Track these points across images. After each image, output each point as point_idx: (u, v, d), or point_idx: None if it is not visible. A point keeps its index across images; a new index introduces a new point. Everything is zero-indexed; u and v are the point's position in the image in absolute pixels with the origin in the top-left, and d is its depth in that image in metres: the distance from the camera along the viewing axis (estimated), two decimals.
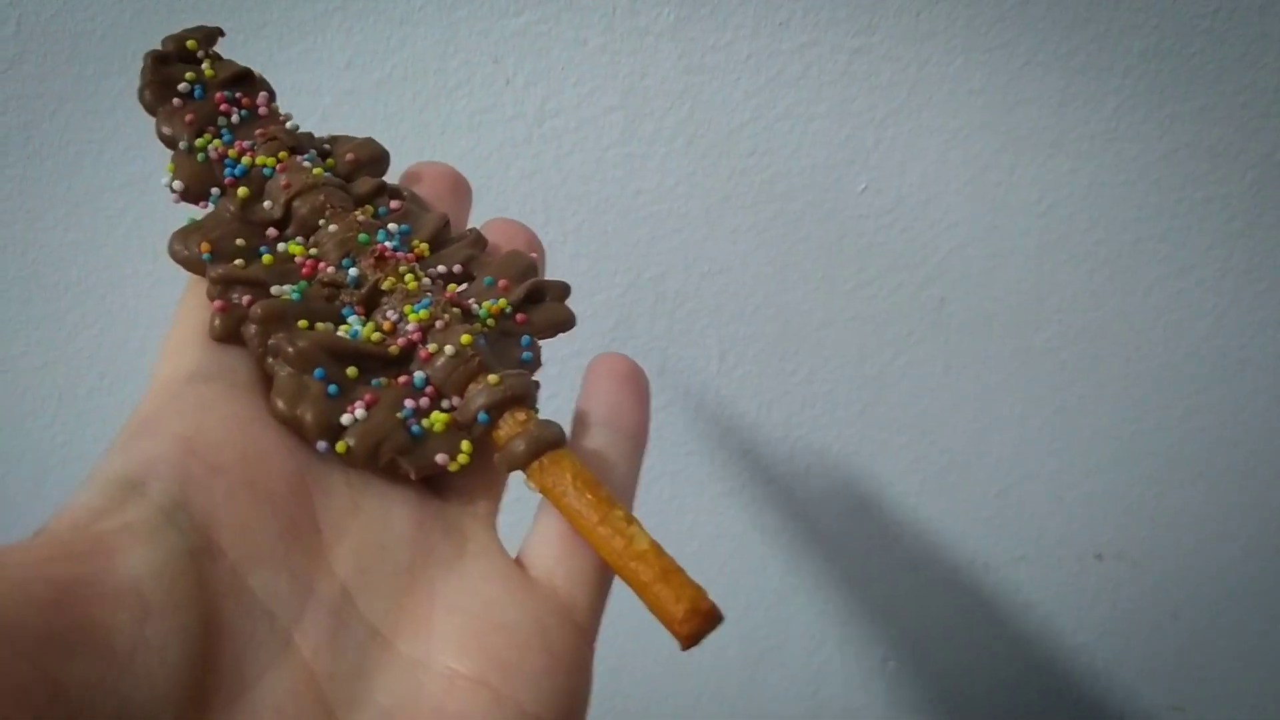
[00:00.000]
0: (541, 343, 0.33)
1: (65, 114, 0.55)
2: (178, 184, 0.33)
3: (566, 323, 0.33)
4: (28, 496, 0.65)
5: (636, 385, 0.32)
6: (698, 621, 0.26)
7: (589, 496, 0.28)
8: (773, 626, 0.67)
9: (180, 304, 0.31)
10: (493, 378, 0.29)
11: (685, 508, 0.64)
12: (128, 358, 0.61)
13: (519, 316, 0.32)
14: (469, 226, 0.36)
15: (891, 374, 0.61)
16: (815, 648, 0.68)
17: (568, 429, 0.31)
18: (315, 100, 0.56)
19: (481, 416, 0.29)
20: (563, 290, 0.34)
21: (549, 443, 0.29)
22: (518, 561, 0.29)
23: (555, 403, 0.33)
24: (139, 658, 0.22)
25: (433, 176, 0.36)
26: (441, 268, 0.32)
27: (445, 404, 0.30)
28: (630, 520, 0.28)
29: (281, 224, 0.32)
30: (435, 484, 0.30)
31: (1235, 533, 0.64)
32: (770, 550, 0.65)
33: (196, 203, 0.33)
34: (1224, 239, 0.57)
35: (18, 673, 0.20)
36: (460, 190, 0.37)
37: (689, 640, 0.27)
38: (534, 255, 0.34)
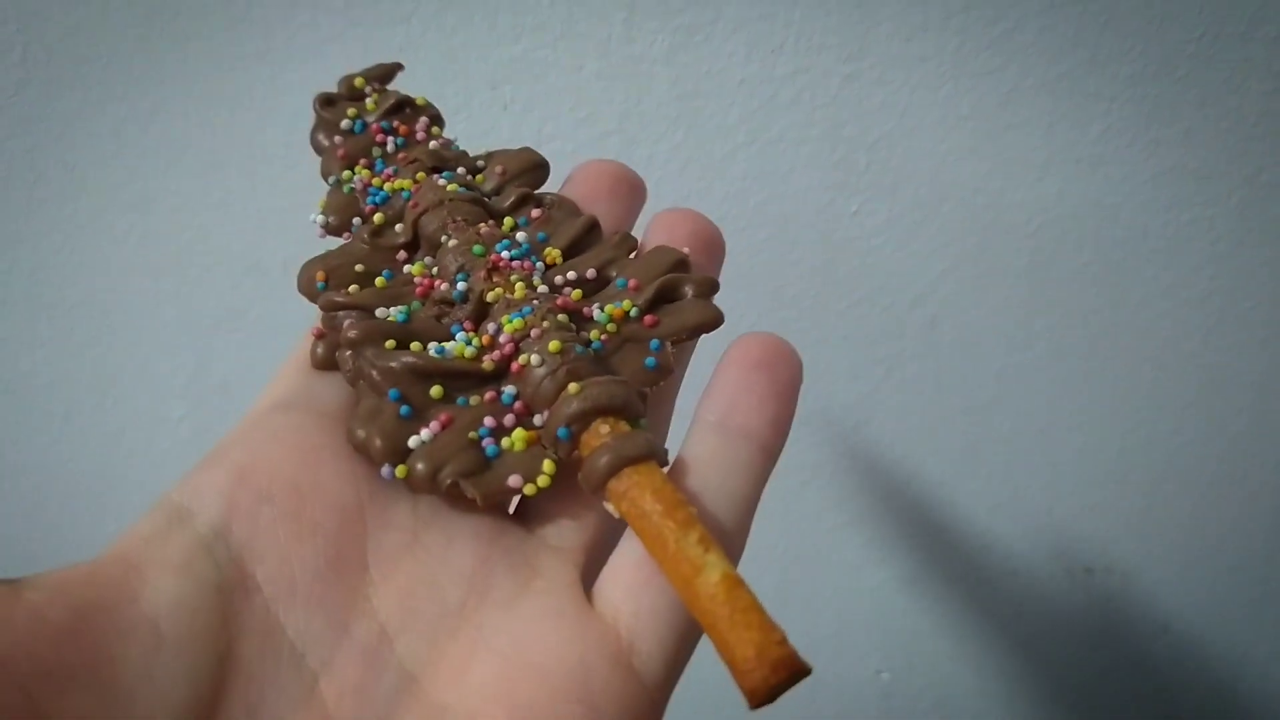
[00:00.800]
0: (689, 347, 0.30)
1: (70, 138, 0.56)
2: (320, 218, 0.32)
3: (705, 323, 0.29)
4: (33, 515, 0.66)
5: (772, 372, 0.27)
6: (764, 672, 0.22)
7: (668, 520, 0.24)
8: None
9: (301, 340, 0.30)
10: (573, 387, 0.26)
11: None
12: (131, 377, 0.62)
13: (646, 319, 0.29)
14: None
15: (884, 392, 0.62)
16: (809, 659, 0.68)
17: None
18: None
19: (561, 431, 0.26)
20: (705, 286, 0.30)
21: (629, 457, 0.25)
22: (590, 596, 0.26)
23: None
24: (140, 695, 0.21)
25: (593, 176, 0.33)
26: (571, 274, 0.30)
27: (536, 420, 0.27)
28: (708, 545, 0.23)
29: (412, 246, 0.31)
30: (522, 514, 0.28)
31: (1224, 546, 0.65)
32: (764, 565, 0.66)
33: (339, 235, 0.32)
34: (1210, 259, 0.58)
35: (5, 700, 0.20)
36: (623, 189, 0.33)
37: (755, 695, 0.22)
38: (684, 250, 0.30)
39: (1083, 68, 0.54)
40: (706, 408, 0.27)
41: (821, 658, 0.68)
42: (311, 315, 0.30)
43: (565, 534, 0.27)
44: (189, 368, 0.62)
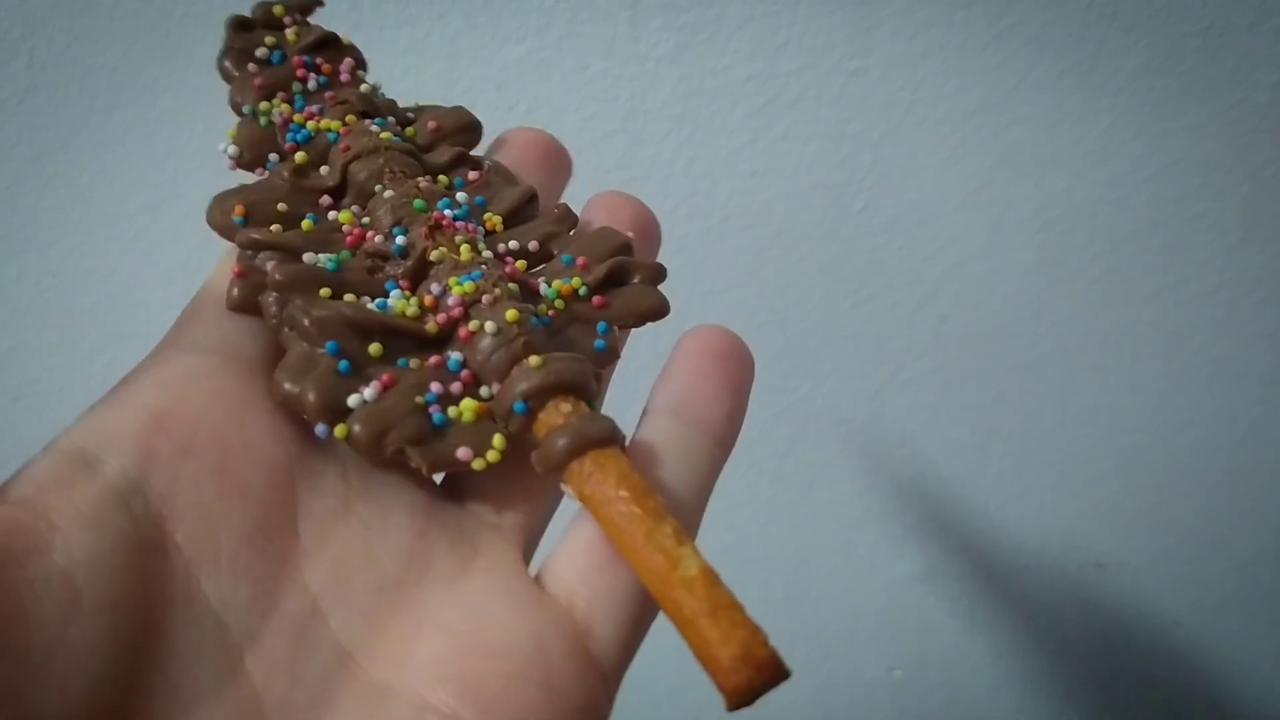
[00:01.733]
0: (628, 333, 0.28)
1: (77, 145, 0.56)
2: (232, 149, 0.30)
3: (654, 310, 0.28)
4: None
5: (727, 366, 0.27)
6: (748, 673, 0.21)
7: (635, 508, 0.23)
8: (777, 639, 0.67)
9: (208, 277, 0.27)
10: (534, 360, 0.24)
11: None
12: None
13: (596, 299, 0.27)
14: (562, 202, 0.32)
15: (893, 389, 0.62)
16: (822, 658, 0.68)
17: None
18: None
19: (518, 405, 0.24)
20: (654, 272, 0.29)
21: (593, 439, 0.24)
22: (537, 579, 0.25)
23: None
24: (57, 662, 0.19)
25: (522, 144, 0.32)
26: (514, 244, 0.28)
27: (484, 392, 0.25)
28: (681, 538, 0.22)
29: (338, 192, 0.29)
30: (458, 489, 0.26)
31: (1235, 541, 0.65)
32: (775, 563, 0.66)
33: (252, 169, 0.30)
34: (1218, 252, 0.58)
35: None
36: (554, 160, 0.32)
37: (735, 695, 0.21)
38: (629, 234, 0.29)
39: (1088, 62, 0.54)
40: (661, 396, 0.26)
41: (833, 656, 0.68)
42: (217, 247, 0.28)
43: (505, 513, 0.26)
44: None
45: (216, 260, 0.28)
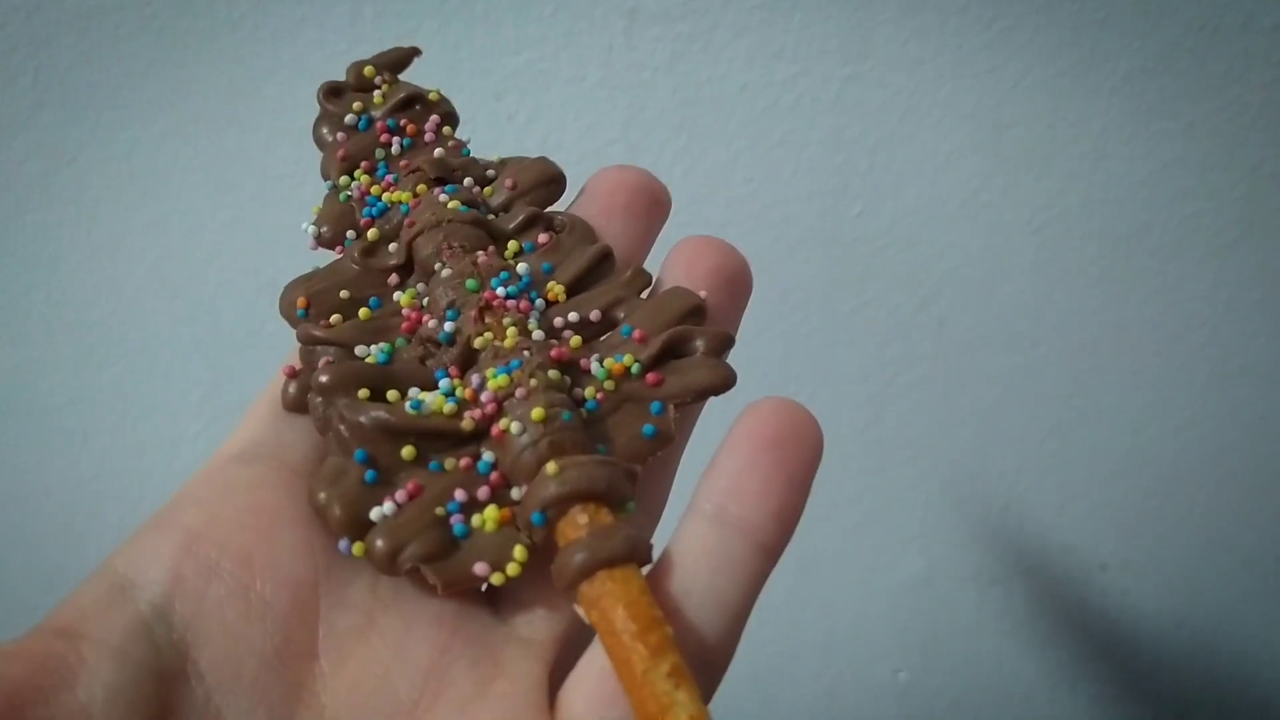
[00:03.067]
0: (694, 409, 0.26)
1: (83, 162, 0.57)
2: (312, 229, 0.29)
3: (714, 386, 0.26)
4: (53, 536, 0.66)
5: (783, 454, 0.24)
6: None
7: (638, 642, 0.21)
8: (783, 643, 0.67)
9: (278, 372, 0.27)
10: (551, 467, 0.23)
11: None
12: (150, 396, 0.63)
13: (650, 377, 0.25)
14: (655, 253, 0.30)
15: (892, 393, 0.62)
16: (826, 662, 0.68)
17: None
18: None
19: (535, 516, 0.23)
20: (718, 342, 0.26)
21: (605, 559, 0.22)
22: (555, 700, 0.23)
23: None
24: None
25: (608, 189, 0.29)
26: (574, 315, 0.27)
27: (515, 494, 0.24)
28: (680, 679, 0.21)
29: (406, 270, 0.28)
30: (494, 596, 0.25)
31: (1238, 540, 0.65)
32: (778, 567, 0.66)
33: (332, 247, 0.29)
34: (1215, 251, 0.58)
35: None
36: (641, 204, 0.29)
37: None
38: (699, 295, 0.27)
39: (1082, 64, 0.54)
40: (705, 491, 0.24)
41: (838, 659, 0.68)
42: (293, 341, 0.28)
43: (537, 623, 0.24)
44: (205, 385, 0.62)
45: (290, 351, 0.28)
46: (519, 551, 0.23)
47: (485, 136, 0.57)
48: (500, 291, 0.26)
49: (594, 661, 0.23)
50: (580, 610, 0.23)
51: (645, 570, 0.23)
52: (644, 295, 0.28)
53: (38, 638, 0.21)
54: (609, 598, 0.22)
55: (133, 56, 0.55)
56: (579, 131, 0.56)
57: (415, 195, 0.29)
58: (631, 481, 0.24)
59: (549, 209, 0.30)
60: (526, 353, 0.25)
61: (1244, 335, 0.60)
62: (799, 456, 0.24)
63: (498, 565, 0.23)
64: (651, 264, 0.29)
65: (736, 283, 0.28)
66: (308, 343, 0.26)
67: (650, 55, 0.55)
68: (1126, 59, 0.54)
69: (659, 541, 0.25)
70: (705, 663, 0.22)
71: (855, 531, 0.65)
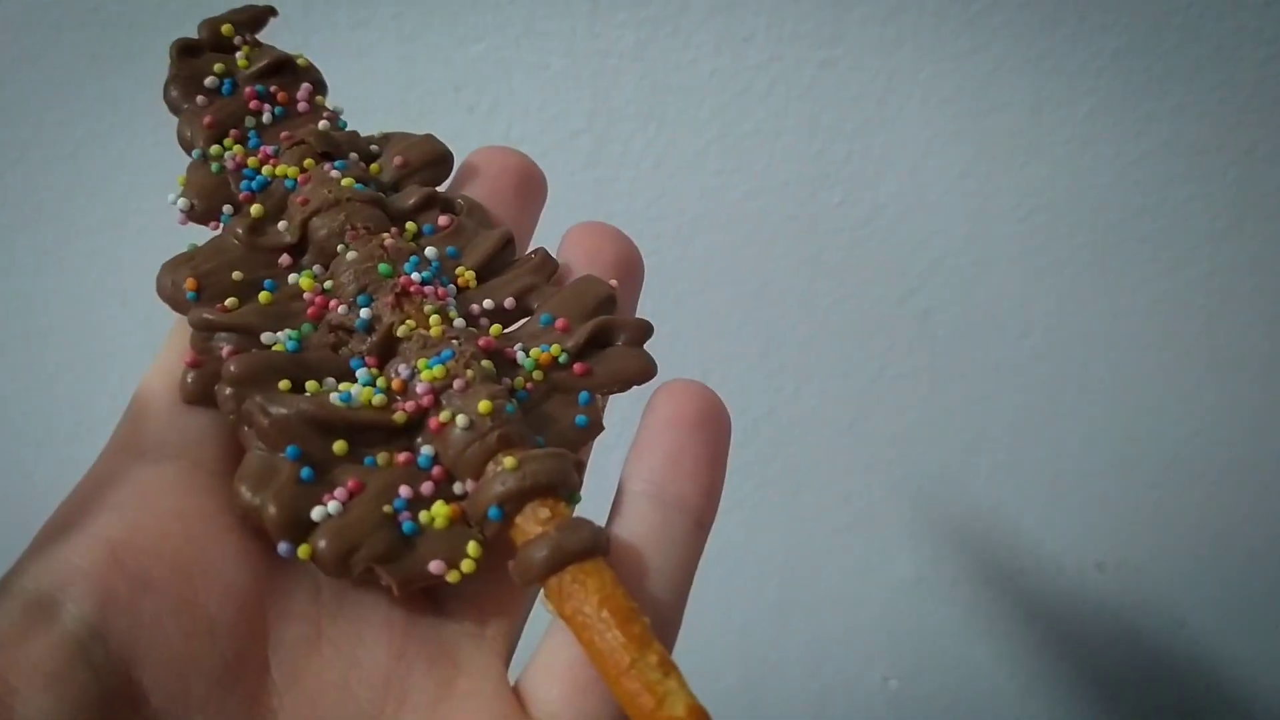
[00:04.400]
0: (609, 399, 0.26)
1: (28, 163, 0.55)
2: (183, 201, 0.27)
3: (640, 374, 0.26)
4: (8, 554, 0.64)
5: (705, 433, 0.25)
6: None
7: (619, 633, 0.21)
8: (770, 649, 0.66)
9: (161, 351, 0.25)
10: (509, 460, 0.23)
11: None
12: (106, 405, 0.61)
13: (577, 367, 0.26)
14: (535, 237, 0.30)
15: (878, 389, 0.60)
16: (814, 669, 0.66)
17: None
18: None
19: (493, 511, 0.23)
20: (640, 331, 0.27)
21: (572, 554, 0.22)
22: (516, 692, 0.23)
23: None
24: None
25: (494, 172, 0.29)
26: (488, 302, 0.27)
27: (457, 488, 0.24)
28: (668, 670, 0.21)
29: (298, 250, 0.27)
30: (437, 594, 0.24)
31: (1239, 536, 0.63)
32: (765, 571, 0.64)
33: (206, 223, 0.27)
34: (1209, 237, 0.56)
35: None
36: (528, 188, 0.30)
37: None
38: (612, 284, 0.27)
39: (1066, 44, 0.52)
40: (636, 472, 0.25)
41: (826, 666, 0.66)
42: (165, 316, 0.26)
43: (488, 620, 0.24)
44: None
45: (165, 336, 0.26)
46: (473, 548, 0.23)
47: (446, 129, 0.55)
48: (415, 277, 0.26)
49: (559, 652, 0.23)
50: (548, 605, 0.23)
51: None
52: (552, 282, 0.28)
53: None
54: (582, 590, 0.22)
55: (76, 51, 0.53)
56: (543, 123, 0.54)
57: (303, 170, 0.27)
58: (580, 472, 0.24)
59: (439, 188, 0.29)
60: (455, 342, 0.25)
61: (1241, 324, 0.58)
62: (719, 435, 0.25)
63: (452, 563, 0.23)
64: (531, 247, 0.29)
65: (634, 270, 0.29)
66: (205, 329, 0.25)
67: (615, 41, 0.53)
68: (1113, 37, 0.52)
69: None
70: (661, 637, 0.22)
71: (841, 534, 0.64)
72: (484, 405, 0.23)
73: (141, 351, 0.59)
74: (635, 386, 0.26)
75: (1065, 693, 0.67)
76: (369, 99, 0.54)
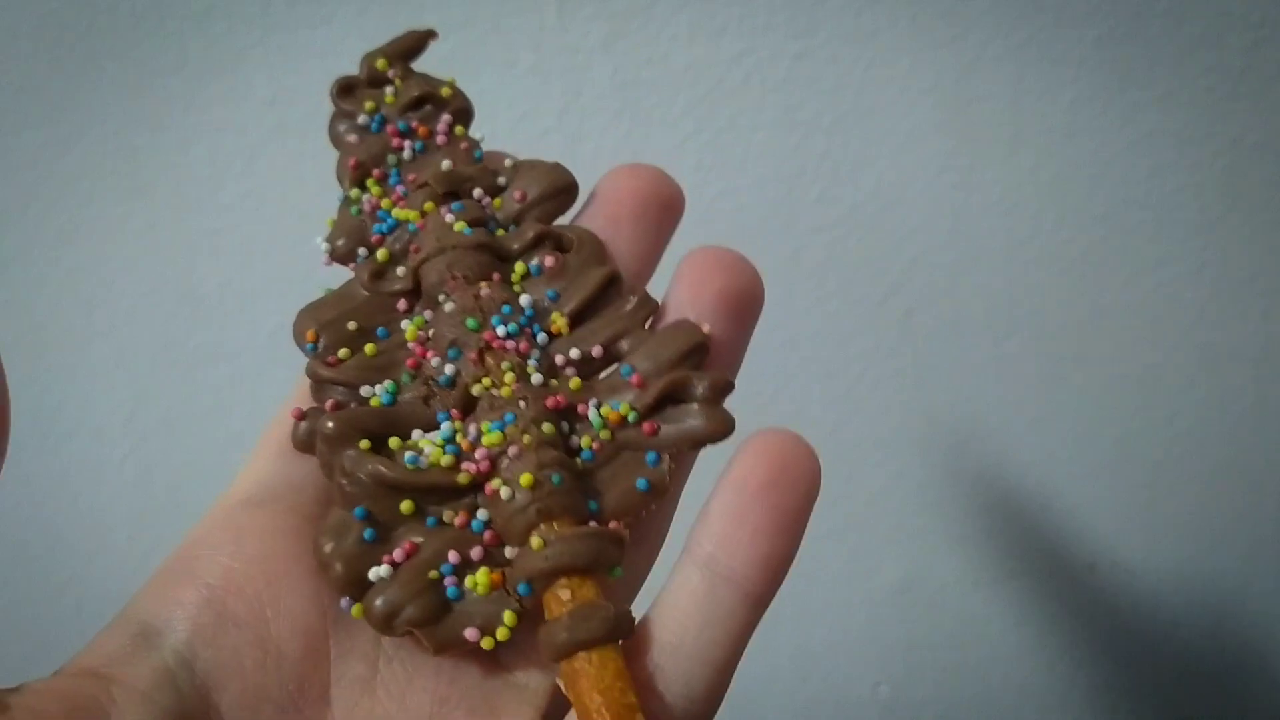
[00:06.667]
0: (686, 456, 0.26)
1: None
2: (324, 244, 0.29)
3: (710, 434, 0.26)
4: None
5: (777, 500, 0.24)
6: None
7: None
8: (758, 658, 0.64)
9: (290, 396, 0.28)
10: (536, 539, 0.24)
11: None
12: (69, 418, 0.59)
13: (645, 426, 0.26)
14: (666, 258, 0.29)
15: (861, 390, 0.59)
16: (804, 678, 0.65)
17: None
18: (240, 139, 0.54)
19: (521, 588, 0.24)
20: (718, 388, 0.26)
21: (582, 642, 0.23)
22: None
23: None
24: None
25: (618, 196, 0.29)
26: (575, 352, 0.27)
27: (508, 552, 0.25)
28: None
29: (414, 294, 0.28)
30: (478, 655, 0.26)
31: (1233, 535, 0.62)
32: None
33: (345, 263, 0.29)
34: (1198, 228, 0.55)
35: None
36: (654, 211, 0.29)
37: None
38: (703, 331, 0.26)
39: (1047, 31, 0.51)
40: (697, 538, 0.24)
41: (815, 674, 0.65)
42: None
43: (531, 672, 0.25)
44: (128, 405, 0.59)
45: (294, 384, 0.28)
46: (508, 617, 0.24)
47: None
48: (500, 331, 0.27)
49: None
50: (561, 684, 0.24)
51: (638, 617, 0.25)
52: (649, 323, 0.28)
53: (68, 679, 0.22)
54: (585, 680, 0.23)
55: (32, 56, 0.52)
56: (512, 121, 0.53)
57: (422, 214, 0.28)
58: (618, 547, 0.25)
59: (559, 219, 0.30)
60: (523, 403, 0.26)
61: (1233, 317, 0.57)
62: (791, 501, 0.24)
63: (487, 630, 0.24)
64: (664, 268, 0.29)
65: (745, 304, 0.28)
66: (316, 381, 0.27)
67: (585, 36, 0.51)
68: (1095, 24, 0.51)
69: (656, 578, 0.26)
70: (691, 715, 0.23)
71: (828, 539, 0.62)
72: (525, 478, 0.24)
73: (106, 362, 0.58)
74: (708, 444, 0.26)
75: (1058, 697, 0.65)
76: (438, 70, 0.54)
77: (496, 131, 0.53)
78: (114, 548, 0.61)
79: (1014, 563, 0.63)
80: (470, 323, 0.27)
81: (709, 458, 0.27)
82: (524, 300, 0.27)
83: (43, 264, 0.56)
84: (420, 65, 0.52)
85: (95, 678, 0.22)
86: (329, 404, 0.26)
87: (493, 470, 0.25)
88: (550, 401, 0.26)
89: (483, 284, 0.27)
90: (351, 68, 0.52)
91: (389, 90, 0.31)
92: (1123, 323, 0.57)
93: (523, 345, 0.27)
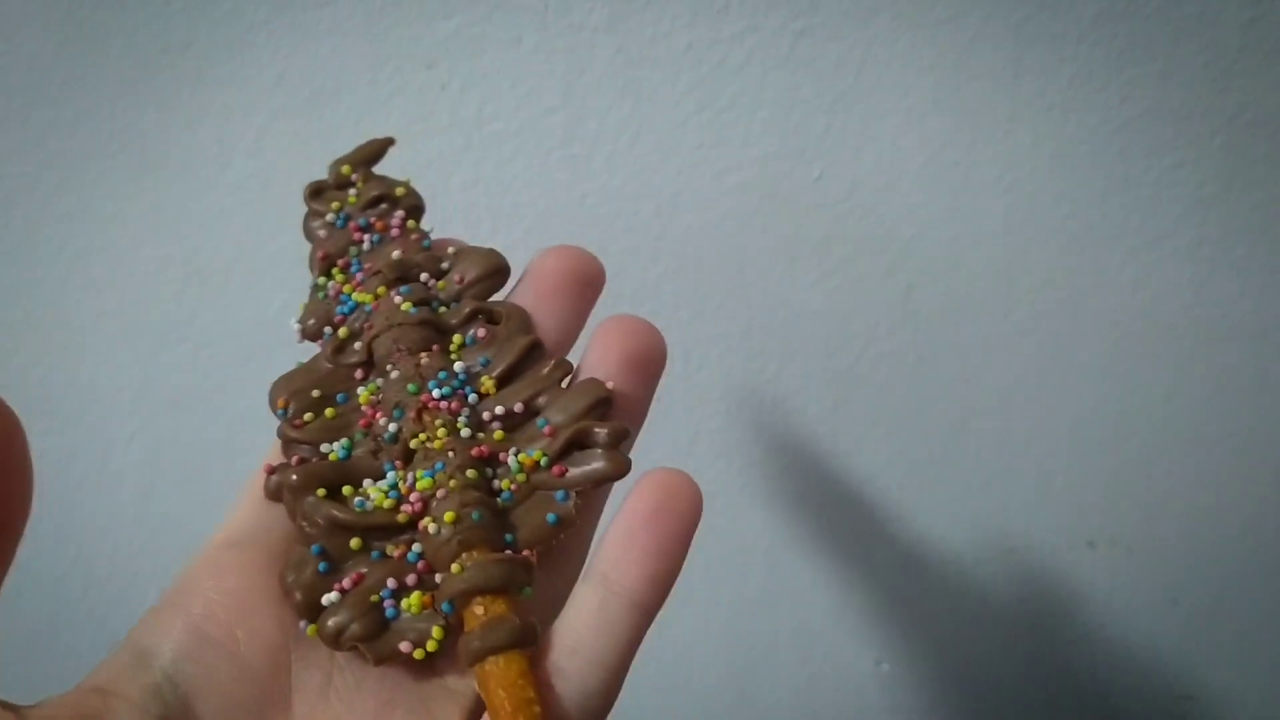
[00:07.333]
0: (590, 492, 0.31)
1: None
2: (297, 324, 0.34)
3: (608, 475, 0.30)
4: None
5: (660, 525, 0.29)
6: None
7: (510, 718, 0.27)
8: (758, 637, 0.65)
9: (269, 455, 0.32)
10: (455, 567, 0.29)
11: None
12: (77, 397, 0.60)
13: (555, 469, 0.30)
14: (589, 323, 0.34)
15: (862, 367, 0.59)
16: (805, 655, 0.65)
17: None
18: (247, 120, 0.54)
19: (445, 606, 0.29)
20: (616, 435, 0.30)
21: (491, 648, 0.28)
22: None
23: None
24: None
25: (544, 273, 0.34)
26: (500, 408, 0.31)
27: (438, 578, 0.30)
28: None
29: (369, 366, 0.33)
30: (413, 664, 0.30)
31: (1231, 511, 0.62)
32: (750, 557, 0.63)
33: (315, 340, 0.34)
34: (1197, 205, 0.55)
35: None
36: (580, 286, 0.34)
37: None
38: (606, 388, 0.31)
39: (1047, 9, 0.51)
40: (597, 561, 0.29)
41: (817, 652, 0.65)
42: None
43: (460, 677, 0.30)
44: (136, 383, 0.59)
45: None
46: (436, 631, 0.29)
47: (420, 107, 0.54)
48: (436, 393, 0.31)
49: None
50: (475, 685, 0.28)
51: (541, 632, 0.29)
52: (565, 382, 0.32)
53: (80, 693, 0.27)
54: (493, 680, 0.27)
55: (40, 35, 0.52)
56: (516, 100, 0.53)
57: (376, 297, 0.33)
58: (527, 571, 0.29)
59: (494, 297, 0.34)
60: (451, 454, 0.30)
61: (1230, 294, 0.57)
62: (674, 527, 0.29)
63: (419, 643, 0.29)
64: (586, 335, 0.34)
65: (648, 363, 0.32)
66: (285, 441, 0.32)
67: (588, 15, 0.52)
68: (1094, 2, 0.51)
69: None
70: (587, 710, 0.28)
71: (828, 516, 0.62)
72: (449, 515, 0.29)
73: (114, 341, 0.58)
74: (608, 483, 0.30)
75: (1060, 673, 0.66)
76: (340, 78, 0.54)
77: (501, 109, 0.54)
78: (121, 526, 0.61)
79: (1013, 540, 0.63)
80: (411, 387, 0.31)
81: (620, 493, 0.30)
82: (458, 367, 0.32)
83: (50, 244, 0.56)
84: (432, 41, 0.52)
85: (99, 693, 0.27)
86: (295, 459, 0.31)
87: (425, 510, 0.30)
88: (476, 451, 0.31)
89: (423, 354, 0.32)
90: (361, 44, 0.53)
91: (351, 192, 0.36)
92: (1121, 300, 0.57)
93: (454, 405, 0.31)
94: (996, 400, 0.60)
